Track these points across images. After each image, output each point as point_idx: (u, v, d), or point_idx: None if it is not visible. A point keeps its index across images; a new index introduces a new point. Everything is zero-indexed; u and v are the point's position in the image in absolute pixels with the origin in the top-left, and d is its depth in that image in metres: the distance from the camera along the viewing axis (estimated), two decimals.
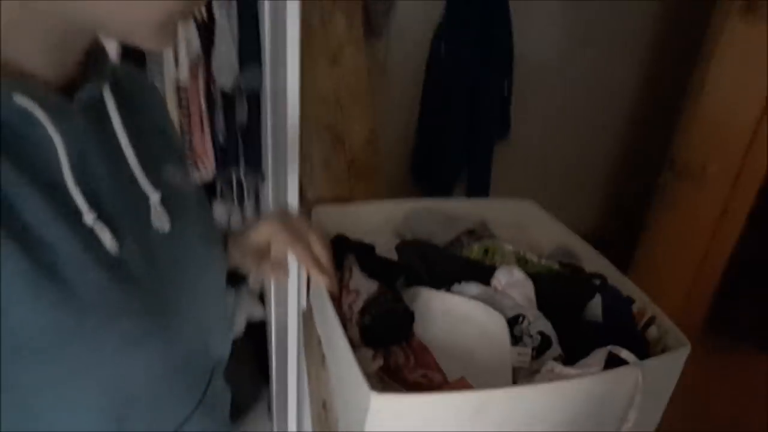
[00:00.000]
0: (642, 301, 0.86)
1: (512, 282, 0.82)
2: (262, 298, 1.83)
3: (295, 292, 1.26)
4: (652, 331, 0.82)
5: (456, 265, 0.87)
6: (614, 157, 2.79)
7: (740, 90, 2.09)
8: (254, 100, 1.52)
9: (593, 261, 0.99)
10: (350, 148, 1.62)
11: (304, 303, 1.25)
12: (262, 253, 0.74)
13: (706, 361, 2.85)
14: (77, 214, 0.53)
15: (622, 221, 2.78)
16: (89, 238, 0.53)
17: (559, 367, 0.71)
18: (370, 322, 0.77)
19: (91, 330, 0.51)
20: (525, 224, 1.13)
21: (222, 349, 0.76)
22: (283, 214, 0.74)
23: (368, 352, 0.75)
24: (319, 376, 1.01)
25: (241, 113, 1.53)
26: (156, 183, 0.62)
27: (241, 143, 1.58)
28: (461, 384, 0.69)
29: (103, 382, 0.54)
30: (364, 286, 0.82)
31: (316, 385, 1.06)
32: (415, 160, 2.36)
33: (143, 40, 0.53)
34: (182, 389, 0.67)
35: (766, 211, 2.58)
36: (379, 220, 1.07)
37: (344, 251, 0.91)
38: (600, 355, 0.74)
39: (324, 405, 1.00)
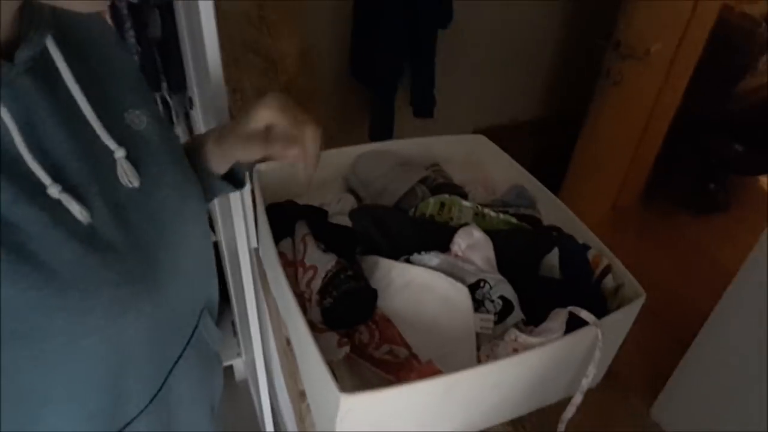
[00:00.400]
0: (597, 247, 0.86)
1: (472, 244, 0.81)
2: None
3: (243, 229, 1.21)
4: (608, 281, 0.83)
5: (413, 229, 0.84)
6: (556, 40, 2.73)
7: None
8: (168, 12, 1.34)
9: (545, 200, 0.99)
10: (284, 71, 1.50)
11: (253, 241, 1.21)
12: (266, 137, 0.68)
13: (647, 225, 3.02)
14: (41, 187, 0.50)
15: (566, 103, 2.78)
16: (57, 211, 0.50)
17: (522, 337, 0.72)
18: (331, 305, 0.76)
19: (74, 304, 0.49)
20: (477, 161, 1.10)
21: (209, 292, 0.76)
22: (279, 99, 0.68)
23: (332, 338, 0.74)
24: (278, 315, 1.00)
25: (154, 27, 1.36)
26: (119, 136, 0.58)
27: (160, 61, 1.43)
28: (429, 369, 0.69)
29: (94, 350, 0.53)
30: (320, 261, 0.80)
31: (277, 322, 1.05)
32: (354, 59, 2.24)
33: (72, 3, 0.49)
34: (173, 335, 0.67)
35: (700, 86, 2.66)
36: (326, 171, 1.02)
37: (294, 218, 0.88)
38: (560, 317, 0.74)
39: (288, 342, 1.00)
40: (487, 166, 1.10)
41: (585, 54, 2.52)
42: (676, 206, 3.11)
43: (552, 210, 0.96)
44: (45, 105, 0.52)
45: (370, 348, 0.76)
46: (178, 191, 0.64)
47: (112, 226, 0.55)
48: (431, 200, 0.90)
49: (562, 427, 0.83)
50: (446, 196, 0.90)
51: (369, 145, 1.06)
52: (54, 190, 0.50)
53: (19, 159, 0.49)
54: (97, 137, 0.56)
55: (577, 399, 0.79)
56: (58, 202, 0.50)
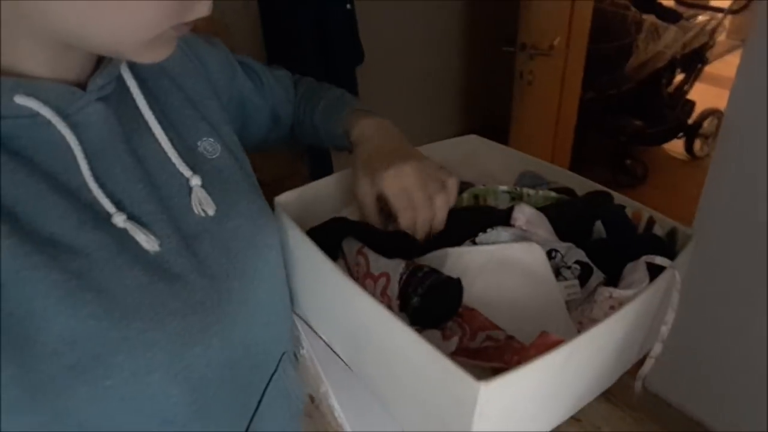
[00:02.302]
0: (631, 205, 0.88)
1: (530, 219, 0.80)
2: None
3: None
4: (657, 231, 0.85)
5: (464, 218, 0.83)
6: (463, 55, 2.85)
7: None
8: None
9: (557, 175, 1.01)
10: None
11: None
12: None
13: None
14: (106, 215, 0.49)
15: (490, 112, 2.89)
16: (123, 239, 0.49)
17: (617, 291, 0.72)
18: (420, 303, 0.72)
19: (136, 335, 0.47)
20: (477, 159, 1.11)
21: (287, 335, 0.73)
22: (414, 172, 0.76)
23: (434, 334, 0.71)
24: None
25: None
26: (193, 164, 0.58)
27: None
28: (547, 339, 0.67)
29: (162, 388, 0.51)
30: (389, 266, 0.76)
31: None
32: None
33: (137, 57, 0.47)
34: (250, 378, 0.64)
35: (595, 71, 2.86)
36: (335, 196, 0.99)
37: (341, 236, 0.84)
38: (640, 267, 0.75)
39: (312, 399, 0.94)
40: (486, 163, 1.11)
41: (496, 63, 2.64)
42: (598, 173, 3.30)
43: (568, 183, 0.98)
44: (116, 132, 0.51)
45: (464, 341, 0.73)
46: (251, 221, 0.62)
47: (181, 255, 0.53)
48: (464, 195, 0.89)
49: (639, 384, 0.84)
50: (481, 186, 0.89)
51: None
52: (119, 219, 0.49)
53: (84, 187, 0.48)
54: (172, 165, 0.56)
55: (657, 349, 0.80)
56: (125, 231, 0.49)
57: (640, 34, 3.10)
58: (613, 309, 0.72)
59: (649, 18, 3.14)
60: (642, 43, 3.11)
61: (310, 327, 0.90)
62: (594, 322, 0.73)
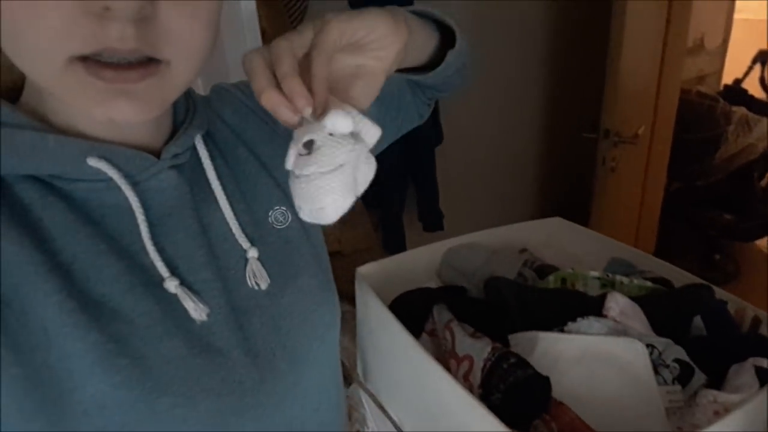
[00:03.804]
0: (734, 302, 0.82)
1: (624, 310, 0.76)
2: None
3: None
4: (764, 332, 0.78)
5: (553, 300, 0.79)
6: (546, 136, 2.85)
7: (644, 61, 2.34)
8: None
9: (649, 264, 0.96)
10: None
11: None
12: None
13: None
14: (160, 279, 0.48)
15: (566, 197, 2.84)
16: (170, 306, 0.48)
17: (723, 396, 0.66)
18: (501, 401, 0.68)
19: (165, 411, 0.45)
20: (561, 242, 1.08)
21: (338, 425, 0.67)
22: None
23: None
24: None
25: None
26: (257, 235, 0.56)
27: None
28: None
29: None
30: (474, 349, 0.73)
31: None
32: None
33: (76, 103, 0.43)
34: None
35: (682, 162, 2.78)
36: (415, 269, 0.97)
37: (431, 304, 0.81)
38: (747, 370, 0.69)
39: None
40: (571, 246, 1.07)
41: (577, 147, 2.61)
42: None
43: (662, 273, 0.93)
44: (185, 199, 0.51)
45: None
46: (309, 298, 0.59)
47: (227, 329, 0.51)
48: (551, 278, 0.86)
49: None
50: (569, 270, 0.86)
51: (455, 239, 1.03)
52: (171, 284, 0.48)
53: (143, 250, 0.47)
54: (232, 235, 0.55)
55: None
56: (174, 297, 0.48)
57: (729, 125, 3.00)
58: (717, 414, 0.66)
59: (740, 110, 3.04)
60: (732, 135, 3.01)
61: (378, 404, 0.87)
62: (696, 428, 0.67)
